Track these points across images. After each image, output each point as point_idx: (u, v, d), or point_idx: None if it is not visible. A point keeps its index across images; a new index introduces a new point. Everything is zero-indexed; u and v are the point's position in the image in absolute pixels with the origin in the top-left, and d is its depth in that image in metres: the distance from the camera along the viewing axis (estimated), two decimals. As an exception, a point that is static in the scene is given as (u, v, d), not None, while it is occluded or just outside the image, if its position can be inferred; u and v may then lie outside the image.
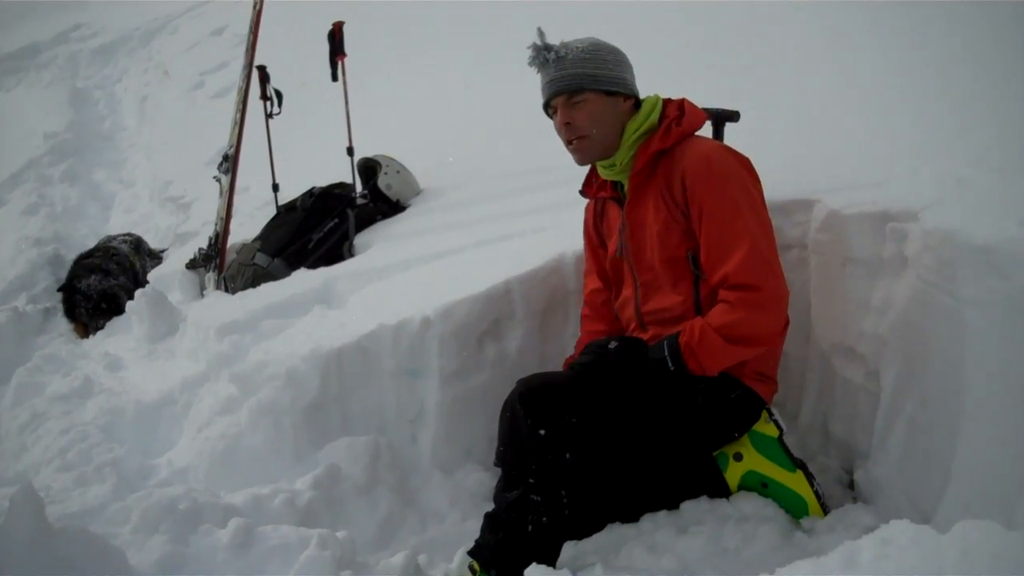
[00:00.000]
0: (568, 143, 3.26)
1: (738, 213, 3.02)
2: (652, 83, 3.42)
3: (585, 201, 3.63)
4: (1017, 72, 3.88)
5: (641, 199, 3.25)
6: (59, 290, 6.91)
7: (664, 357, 3.05)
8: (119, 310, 6.39)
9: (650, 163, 3.19)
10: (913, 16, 4.88)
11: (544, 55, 3.18)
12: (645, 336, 3.32)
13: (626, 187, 3.31)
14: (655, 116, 3.22)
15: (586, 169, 3.47)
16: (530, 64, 3.24)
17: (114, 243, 7.31)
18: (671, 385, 3.08)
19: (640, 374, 3.08)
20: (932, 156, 3.47)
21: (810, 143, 3.26)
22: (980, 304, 2.62)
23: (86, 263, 7.01)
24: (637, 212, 3.28)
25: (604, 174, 3.36)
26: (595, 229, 3.60)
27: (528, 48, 3.22)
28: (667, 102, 3.27)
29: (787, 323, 3.20)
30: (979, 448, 2.64)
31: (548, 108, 3.29)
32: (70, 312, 6.71)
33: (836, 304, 3.39)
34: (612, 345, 3.12)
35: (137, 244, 7.45)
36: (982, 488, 2.63)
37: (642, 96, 3.30)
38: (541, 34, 3.22)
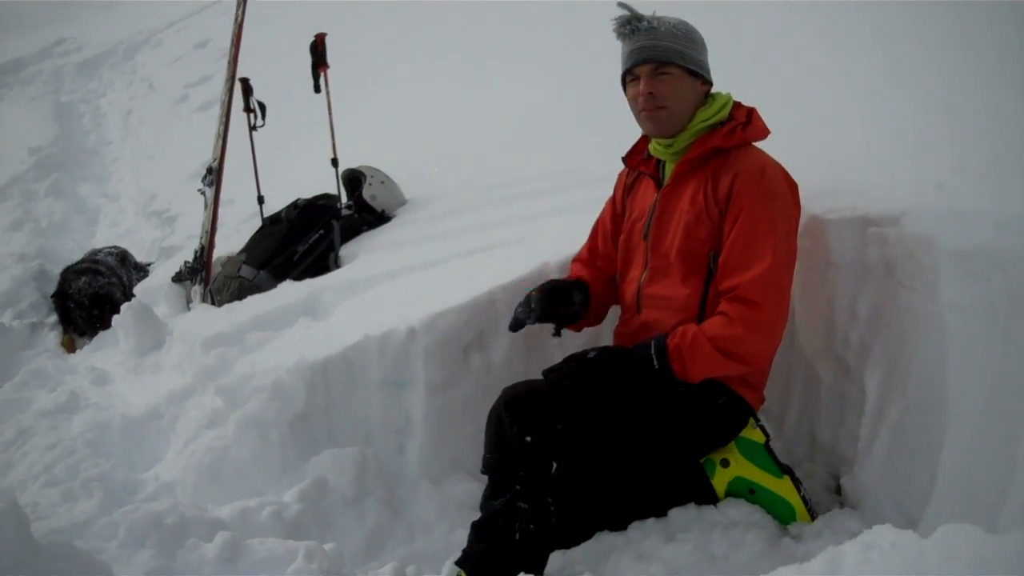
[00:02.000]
0: (643, 110, 3.21)
1: (772, 232, 3.01)
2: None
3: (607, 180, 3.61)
4: (1004, 76, 3.90)
5: (680, 187, 3.24)
6: (52, 297, 6.91)
7: (650, 355, 3.05)
8: (115, 309, 6.32)
9: (704, 156, 3.18)
10: (902, 19, 4.90)
11: (635, 23, 3.16)
12: (639, 318, 3.32)
13: (668, 170, 3.31)
14: (724, 113, 3.21)
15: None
16: (616, 31, 3.20)
17: (100, 255, 7.30)
18: (655, 389, 3.09)
19: (623, 378, 3.08)
20: (914, 161, 3.48)
21: (793, 148, 3.27)
22: (960, 308, 2.64)
23: (75, 268, 7.01)
24: (671, 198, 3.26)
25: (655, 151, 3.34)
26: (621, 201, 3.58)
27: (617, 16, 3.19)
28: (737, 104, 3.27)
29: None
30: (963, 452, 2.66)
31: (628, 75, 3.25)
32: (66, 320, 6.70)
33: (819, 309, 3.41)
34: (591, 355, 3.11)
35: (123, 257, 7.44)
36: (966, 492, 2.64)
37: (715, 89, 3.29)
38: (628, 7, 3.20)
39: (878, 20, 5.10)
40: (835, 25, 5.40)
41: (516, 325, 3.49)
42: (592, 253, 3.67)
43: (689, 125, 3.21)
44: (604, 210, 3.67)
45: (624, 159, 3.51)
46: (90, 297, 6.66)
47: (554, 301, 3.43)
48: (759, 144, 3.21)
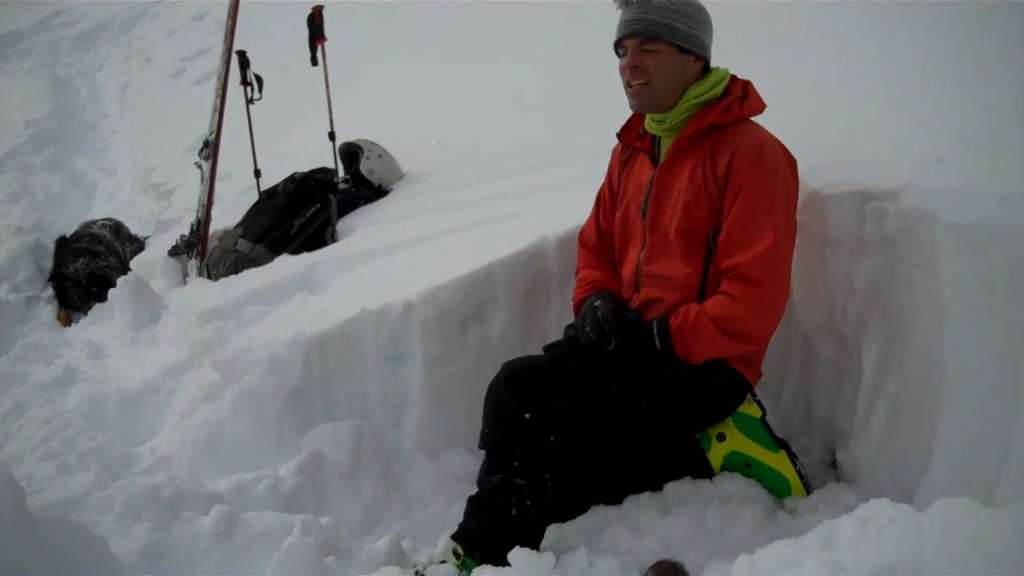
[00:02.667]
0: (628, 86, 3.19)
1: (773, 209, 2.98)
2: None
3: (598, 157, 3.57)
4: (1005, 49, 3.88)
5: (677, 164, 3.20)
6: (49, 280, 6.90)
7: (652, 335, 3.04)
8: (105, 289, 6.34)
9: (700, 132, 3.14)
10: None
11: None
12: (639, 297, 3.29)
13: (665, 147, 3.27)
14: (719, 89, 3.16)
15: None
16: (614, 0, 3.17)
17: (94, 228, 7.28)
18: (656, 368, 3.08)
19: (624, 358, 3.07)
20: (914, 135, 3.46)
21: (792, 123, 3.25)
22: (959, 283, 2.63)
23: (73, 247, 6.99)
24: (669, 175, 3.22)
25: (650, 127, 3.30)
26: (617, 176, 3.53)
27: None
28: (733, 79, 3.22)
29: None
30: (959, 427, 2.66)
31: (619, 47, 3.21)
32: (63, 300, 6.69)
33: (817, 284, 3.40)
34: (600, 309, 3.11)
35: (117, 228, 7.42)
36: (963, 466, 2.64)
37: (713, 64, 3.24)
38: None
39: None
40: (837, 4, 5.37)
41: (593, 346, 3.17)
42: (601, 236, 3.58)
43: (681, 101, 3.16)
44: (603, 187, 3.62)
45: (618, 135, 3.48)
46: (88, 276, 6.65)
47: (623, 316, 3.23)
48: (756, 119, 3.18)
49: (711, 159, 3.10)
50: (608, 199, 3.56)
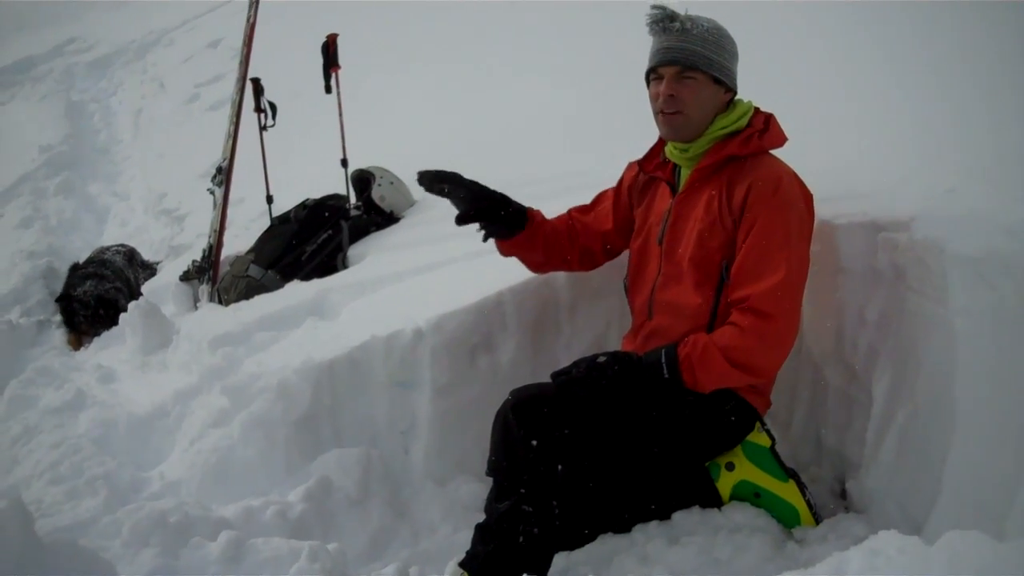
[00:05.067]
0: (662, 113, 3.17)
1: (787, 242, 2.98)
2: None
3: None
4: (1015, 81, 3.88)
5: (695, 194, 3.21)
6: (57, 300, 6.91)
7: (660, 363, 3.03)
8: (118, 314, 6.33)
9: (719, 163, 3.14)
10: (913, 20, 4.88)
11: (667, 23, 3.11)
12: (650, 324, 3.30)
13: (684, 176, 3.28)
14: (744, 122, 3.16)
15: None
16: (649, 25, 3.16)
17: (107, 255, 7.31)
18: (663, 396, 3.07)
19: (632, 386, 3.06)
20: (924, 166, 3.47)
21: (804, 153, 3.27)
22: (969, 314, 2.63)
23: (81, 272, 7.02)
24: (686, 205, 3.23)
25: (672, 155, 3.30)
26: (627, 192, 3.54)
27: (651, 9, 3.14)
28: (756, 111, 3.22)
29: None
30: (969, 458, 2.65)
31: (652, 73, 3.21)
32: (69, 321, 6.70)
33: (828, 314, 3.39)
34: (601, 360, 3.08)
35: (130, 255, 7.44)
36: (973, 498, 2.63)
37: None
38: (663, 5, 3.15)
39: (888, 24, 5.09)
40: (844, 28, 5.39)
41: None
42: (580, 209, 3.67)
43: (708, 132, 3.17)
44: (609, 191, 3.65)
45: (640, 163, 3.47)
46: (96, 298, 6.65)
47: (484, 196, 3.51)
48: (776, 152, 3.19)
49: (728, 190, 3.10)
50: (610, 206, 3.59)
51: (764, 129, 3.15)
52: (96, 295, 6.66)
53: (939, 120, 3.85)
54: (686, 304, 3.18)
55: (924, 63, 4.44)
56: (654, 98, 3.20)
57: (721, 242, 3.10)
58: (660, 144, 3.40)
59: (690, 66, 3.09)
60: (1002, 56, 4.12)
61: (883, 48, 4.87)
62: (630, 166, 3.58)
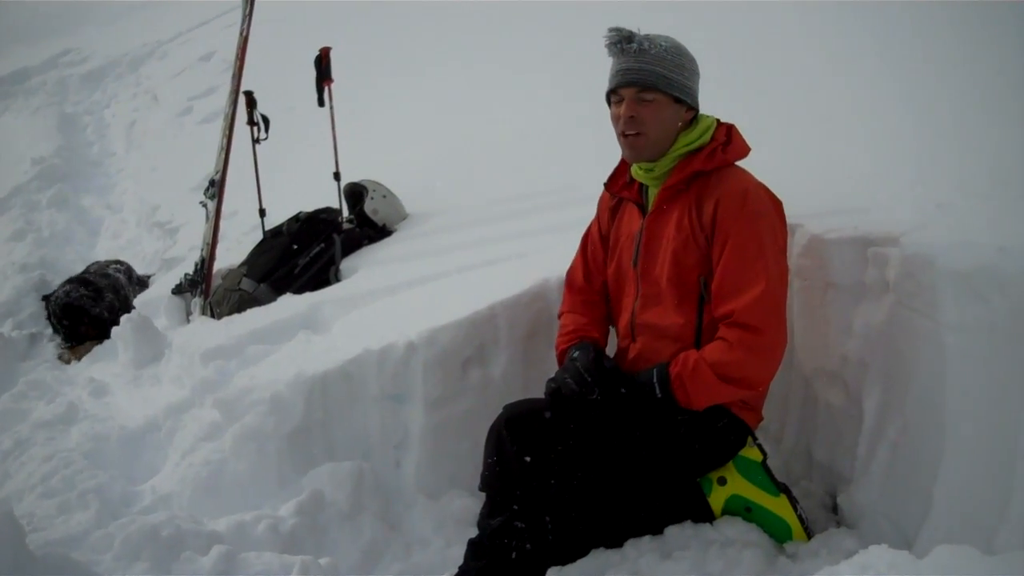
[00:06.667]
0: (623, 135, 3.18)
1: (761, 253, 2.99)
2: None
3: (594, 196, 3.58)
4: (1007, 96, 3.90)
5: (664, 213, 3.21)
6: (43, 298, 7.00)
7: (652, 383, 3.04)
8: (92, 322, 6.47)
9: (685, 180, 3.14)
10: (906, 38, 4.90)
11: (624, 44, 3.12)
12: (635, 347, 3.30)
13: (652, 195, 3.28)
14: (707, 137, 3.17)
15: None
16: (608, 47, 3.17)
17: (109, 269, 7.29)
18: (656, 413, 3.08)
19: (625, 406, 3.07)
20: (915, 181, 3.48)
21: (796, 167, 3.28)
22: (960, 328, 2.64)
23: (74, 277, 7.03)
24: (657, 224, 3.23)
25: (638, 175, 3.30)
26: (607, 219, 3.52)
27: (608, 32, 3.15)
28: (718, 123, 3.23)
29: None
30: (960, 472, 2.66)
31: (612, 95, 3.22)
32: (48, 319, 6.76)
33: (818, 328, 3.40)
34: (589, 378, 3.10)
35: (129, 273, 7.44)
36: (963, 512, 2.64)
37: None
38: (619, 27, 3.15)
39: (881, 38, 5.11)
40: (838, 43, 5.41)
41: (577, 397, 3.15)
42: (587, 277, 3.57)
43: (671, 150, 3.17)
44: (591, 228, 3.61)
45: (605, 184, 3.48)
46: (62, 307, 6.65)
47: (601, 366, 3.22)
48: (741, 163, 3.19)
49: (697, 207, 3.11)
50: (597, 241, 3.55)
51: (727, 142, 3.16)
52: (64, 304, 6.64)
53: (931, 135, 3.87)
54: (668, 325, 3.19)
55: (917, 78, 4.46)
56: (615, 120, 3.21)
57: (696, 259, 3.12)
58: (624, 164, 3.40)
59: (648, 87, 3.10)
60: (995, 72, 4.15)
61: (876, 62, 4.90)
62: (601, 196, 3.58)
